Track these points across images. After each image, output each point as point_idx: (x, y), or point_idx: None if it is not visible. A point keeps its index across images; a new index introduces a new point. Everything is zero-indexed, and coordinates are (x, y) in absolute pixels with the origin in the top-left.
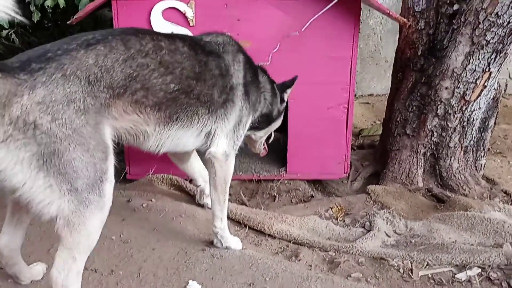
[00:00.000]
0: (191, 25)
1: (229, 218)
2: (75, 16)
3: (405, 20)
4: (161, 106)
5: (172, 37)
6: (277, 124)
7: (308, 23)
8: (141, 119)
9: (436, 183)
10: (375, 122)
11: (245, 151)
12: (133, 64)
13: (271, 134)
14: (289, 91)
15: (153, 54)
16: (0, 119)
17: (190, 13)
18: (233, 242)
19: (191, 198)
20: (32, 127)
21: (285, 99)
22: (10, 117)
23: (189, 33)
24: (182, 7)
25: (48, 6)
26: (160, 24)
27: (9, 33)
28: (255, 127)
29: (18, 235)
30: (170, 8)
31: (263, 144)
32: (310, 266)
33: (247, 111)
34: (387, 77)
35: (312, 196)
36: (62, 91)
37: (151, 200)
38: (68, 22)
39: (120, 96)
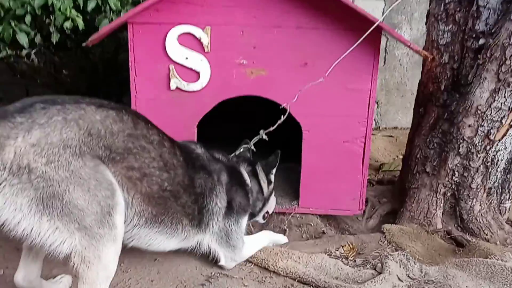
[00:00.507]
0: (206, 51)
1: None
2: (90, 39)
3: (426, 53)
4: (151, 201)
5: (172, 142)
6: (271, 204)
7: (332, 67)
8: (123, 197)
9: (456, 225)
10: (397, 157)
11: None
12: (136, 143)
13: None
14: (273, 171)
15: (157, 146)
16: None
17: (205, 40)
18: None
19: None
20: (27, 171)
21: (272, 180)
22: (2, 161)
23: (204, 60)
24: (197, 33)
25: (67, 28)
26: (175, 49)
27: (29, 53)
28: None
29: (36, 266)
30: (185, 33)
31: (262, 216)
32: None
33: (234, 223)
34: (412, 110)
35: (323, 232)
36: (59, 135)
37: None
38: (83, 44)
39: (115, 163)
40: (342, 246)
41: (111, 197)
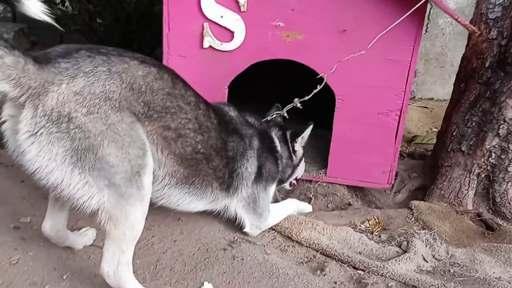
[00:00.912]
0: (242, 10)
1: None
2: None
3: (474, 28)
4: (184, 162)
5: (207, 104)
6: (298, 171)
7: (374, 40)
8: (157, 157)
9: (487, 207)
10: (430, 129)
11: None
12: (174, 102)
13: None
14: (299, 140)
15: (193, 107)
16: (33, 110)
17: None
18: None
19: None
20: (66, 120)
21: (296, 148)
22: (44, 108)
23: (240, 19)
24: None
25: None
26: (211, 7)
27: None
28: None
29: (63, 216)
30: None
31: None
32: (335, 283)
33: (263, 190)
34: (451, 82)
35: (349, 204)
36: (102, 87)
37: None
38: None
39: (151, 120)
40: (368, 220)
41: (142, 157)
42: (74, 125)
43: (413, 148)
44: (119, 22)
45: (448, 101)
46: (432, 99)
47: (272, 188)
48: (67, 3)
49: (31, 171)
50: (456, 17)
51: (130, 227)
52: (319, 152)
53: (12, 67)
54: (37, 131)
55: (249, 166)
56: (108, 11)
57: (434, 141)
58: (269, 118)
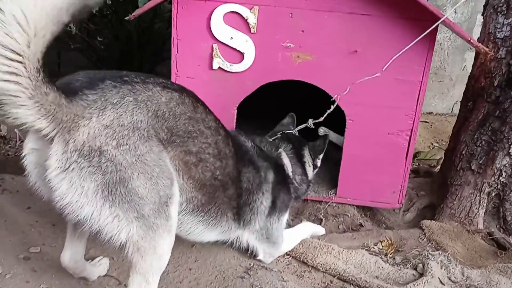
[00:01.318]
0: (252, 31)
1: None
2: (134, 13)
3: (487, 50)
4: (203, 188)
5: (226, 130)
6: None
7: (389, 62)
8: (179, 183)
9: (498, 226)
10: (432, 144)
11: None
12: (196, 127)
13: None
14: (320, 156)
15: (213, 132)
16: (63, 145)
17: (252, 20)
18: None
19: None
20: (98, 153)
21: (318, 164)
22: (75, 143)
23: (250, 40)
24: (245, 12)
25: None
26: (220, 28)
27: None
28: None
29: (81, 247)
30: (232, 12)
31: None
32: None
33: (276, 222)
34: (450, 96)
35: (361, 225)
36: (130, 117)
37: None
38: (126, 18)
39: (175, 146)
40: (381, 241)
41: (170, 186)
42: (106, 159)
43: (417, 164)
44: (119, 40)
45: (448, 115)
46: (431, 113)
47: (286, 217)
48: (70, 24)
49: (61, 206)
50: (469, 39)
51: (158, 258)
52: (327, 171)
53: (53, 103)
54: (69, 167)
55: (265, 200)
56: (108, 29)
57: (437, 156)
58: (296, 130)
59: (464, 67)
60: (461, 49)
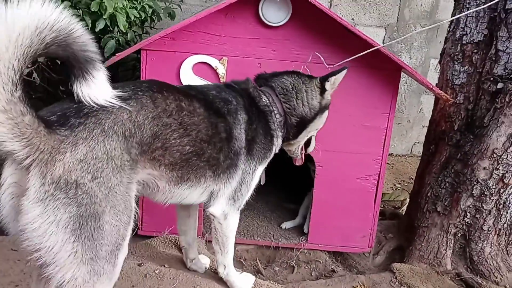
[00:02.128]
0: (221, 82)
1: None
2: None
3: (448, 97)
4: (175, 167)
5: (190, 96)
6: (318, 123)
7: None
8: (155, 175)
9: (465, 266)
10: (394, 185)
11: (262, 214)
12: (159, 123)
13: (310, 139)
14: (332, 79)
15: (176, 114)
16: (41, 178)
17: (221, 70)
18: (241, 283)
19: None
20: (74, 186)
21: (327, 87)
22: (52, 176)
23: None
24: (214, 63)
25: None
26: (189, 78)
27: (31, 71)
28: (287, 138)
29: None
30: (201, 62)
31: (301, 148)
32: None
33: (252, 169)
34: (408, 137)
35: (333, 270)
36: (103, 148)
37: (164, 266)
38: None
39: (144, 153)
40: (354, 287)
41: (127, 224)
42: (82, 191)
43: (382, 205)
44: None
45: (407, 156)
46: (392, 154)
47: (261, 169)
48: (34, 74)
49: (26, 232)
50: (431, 87)
51: None
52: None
53: (30, 126)
54: (46, 197)
55: (238, 144)
56: (69, 78)
57: (401, 197)
58: None
59: (420, 109)
60: (417, 92)
